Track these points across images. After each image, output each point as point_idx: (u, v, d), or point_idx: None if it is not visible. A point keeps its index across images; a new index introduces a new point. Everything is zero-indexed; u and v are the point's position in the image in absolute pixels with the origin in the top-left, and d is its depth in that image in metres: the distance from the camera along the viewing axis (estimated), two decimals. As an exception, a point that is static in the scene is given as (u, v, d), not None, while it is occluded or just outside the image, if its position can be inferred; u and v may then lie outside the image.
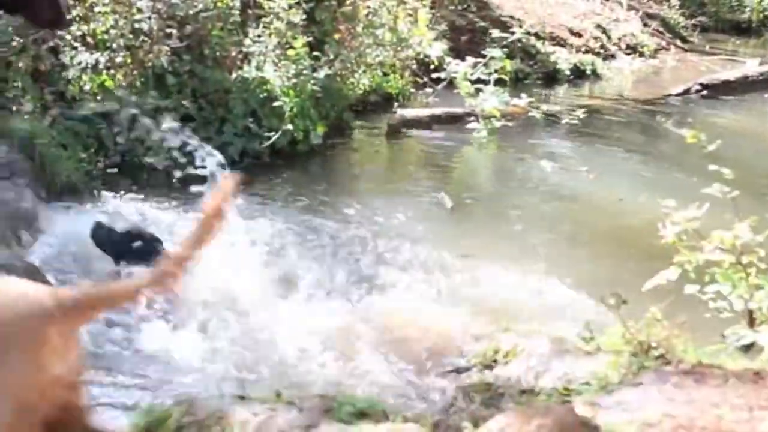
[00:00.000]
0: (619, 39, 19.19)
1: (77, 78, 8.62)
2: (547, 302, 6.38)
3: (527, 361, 4.92)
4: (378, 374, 5.23)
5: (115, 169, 8.65)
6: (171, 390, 4.72)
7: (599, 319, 5.14)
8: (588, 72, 17.10)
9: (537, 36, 17.07)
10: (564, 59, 16.87)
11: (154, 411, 3.84)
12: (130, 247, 6.11)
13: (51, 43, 8.60)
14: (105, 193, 7.95)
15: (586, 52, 17.96)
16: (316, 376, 5.15)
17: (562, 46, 17.72)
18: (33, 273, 5.13)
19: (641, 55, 18.87)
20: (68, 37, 8.68)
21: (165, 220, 7.42)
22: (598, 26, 19.22)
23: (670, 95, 15.03)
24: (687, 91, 15.06)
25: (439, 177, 9.85)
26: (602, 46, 18.59)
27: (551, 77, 16.37)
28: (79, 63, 8.63)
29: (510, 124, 11.83)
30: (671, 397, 3.81)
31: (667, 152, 11.40)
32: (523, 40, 15.65)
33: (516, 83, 14.06)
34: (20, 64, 8.31)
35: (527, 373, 4.81)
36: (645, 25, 20.22)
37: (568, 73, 16.69)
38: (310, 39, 10.70)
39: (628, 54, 18.83)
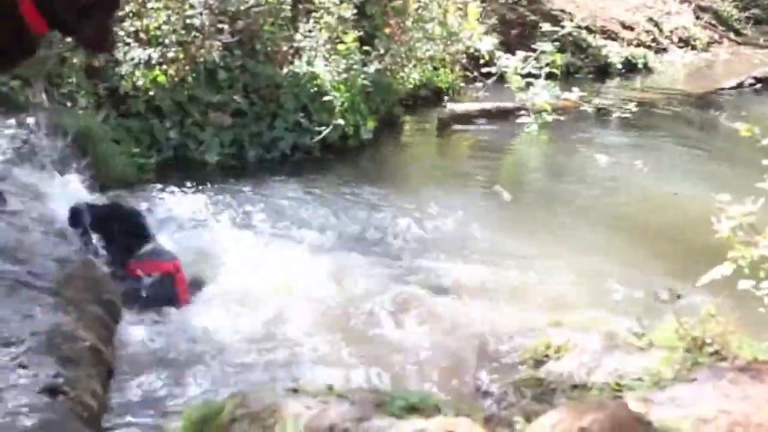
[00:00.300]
0: (671, 32, 19.04)
1: (130, 73, 8.69)
2: (598, 296, 6.33)
3: (579, 357, 4.88)
4: (429, 368, 5.23)
5: (168, 164, 8.73)
6: (224, 382, 4.75)
7: (652, 315, 5.10)
8: (640, 66, 16.98)
9: (588, 29, 16.96)
10: (615, 53, 16.77)
11: (207, 403, 3.88)
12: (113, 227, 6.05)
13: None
14: (157, 188, 8.00)
15: (638, 45, 17.84)
16: (367, 369, 5.16)
17: (614, 39, 17.61)
18: (86, 266, 5.18)
19: (693, 48, 18.73)
20: (121, 33, 8.75)
21: (214, 215, 7.46)
22: (650, 19, 19.07)
23: (723, 89, 14.88)
24: (740, 85, 14.90)
25: (491, 171, 9.82)
26: (654, 40, 18.45)
27: (602, 71, 16.29)
28: (132, 59, 8.70)
29: (561, 118, 11.75)
30: (726, 394, 3.77)
31: (720, 146, 11.29)
32: (574, 34, 15.54)
33: (567, 77, 13.99)
34: (75, 60, 8.40)
35: (579, 368, 4.77)
36: (697, 17, 20.04)
37: (619, 66, 16.59)
38: (361, 33, 10.71)
39: (681, 47, 18.68)
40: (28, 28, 4.74)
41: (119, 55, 8.68)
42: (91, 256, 5.58)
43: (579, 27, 15.80)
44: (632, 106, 12.53)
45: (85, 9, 4.62)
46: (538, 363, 5.03)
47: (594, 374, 4.67)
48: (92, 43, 5.09)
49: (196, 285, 5.99)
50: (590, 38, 16.88)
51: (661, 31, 18.89)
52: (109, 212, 6.08)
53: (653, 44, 18.28)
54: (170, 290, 5.74)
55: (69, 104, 8.16)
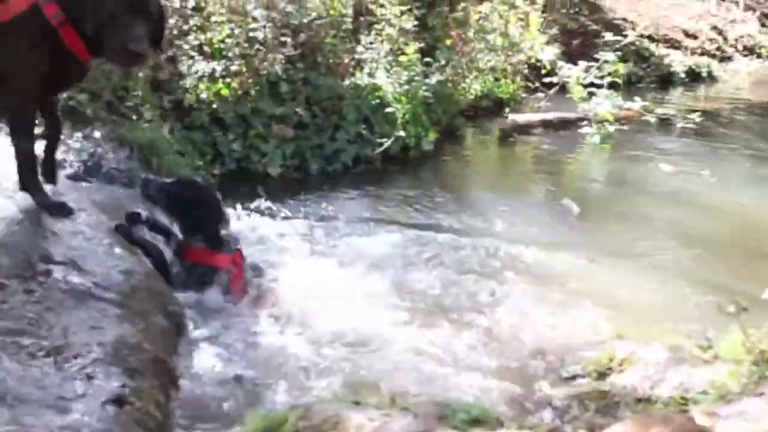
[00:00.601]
0: (736, 40, 18.85)
1: (194, 87, 8.77)
2: (664, 309, 6.27)
3: (643, 370, 4.84)
4: (490, 381, 5.20)
5: (231, 176, 8.80)
6: (287, 394, 4.77)
7: (718, 327, 5.04)
8: (703, 74, 16.84)
9: (650, 38, 16.87)
10: (678, 62, 16.65)
11: (270, 415, 3.89)
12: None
13: (170, 53, 8.78)
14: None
15: (702, 54, 17.69)
16: (428, 382, 5.14)
17: (677, 48, 17.48)
18: (150, 277, 5.24)
19: (759, 56, 18.49)
20: (186, 47, 8.85)
21: (277, 228, 7.50)
22: (714, 27, 18.89)
23: (789, 98, 14.69)
24: (807, 93, 14.70)
25: (554, 183, 9.76)
26: (718, 48, 18.29)
27: (665, 80, 16.17)
28: (196, 72, 8.79)
29: (624, 128, 11.68)
30: (794, 408, 3.72)
31: (788, 156, 11.14)
32: (637, 43, 15.43)
33: (629, 87, 13.91)
34: (140, 74, 8.51)
35: (643, 381, 4.73)
36: (763, 25, 19.81)
37: (682, 75, 16.47)
38: (422, 45, 10.74)
39: (746, 55, 18.49)
40: (75, 57, 4.92)
41: (183, 69, 8.78)
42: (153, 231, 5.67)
43: (641, 36, 15.70)
44: (696, 116, 12.41)
45: (111, 18, 4.71)
46: (602, 375, 4.99)
47: (659, 387, 4.63)
48: (121, 63, 5.31)
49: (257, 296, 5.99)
50: (653, 47, 16.77)
51: (725, 39, 18.71)
52: (184, 189, 5.94)
53: (717, 53, 18.11)
54: (224, 287, 5.73)
55: (134, 117, 8.25)
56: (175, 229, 5.79)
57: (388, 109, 9.80)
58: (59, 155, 6.80)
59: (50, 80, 5.02)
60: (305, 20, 9.84)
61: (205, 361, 5.00)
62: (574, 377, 5.09)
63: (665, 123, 12.43)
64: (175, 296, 5.32)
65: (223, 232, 5.85)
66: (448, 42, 11.51)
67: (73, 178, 6.75)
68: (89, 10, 4.71)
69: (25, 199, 5.24)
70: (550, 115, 12.29)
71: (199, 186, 6.17)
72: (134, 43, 4.73)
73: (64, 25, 4.80)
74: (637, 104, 12.22)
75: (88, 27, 4.74)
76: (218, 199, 6.00)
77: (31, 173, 5.21)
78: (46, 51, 4.85)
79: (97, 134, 7.42)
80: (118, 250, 5.26)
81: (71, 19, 4.78)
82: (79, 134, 7.32)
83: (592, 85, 11.92)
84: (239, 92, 9.10)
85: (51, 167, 5.62)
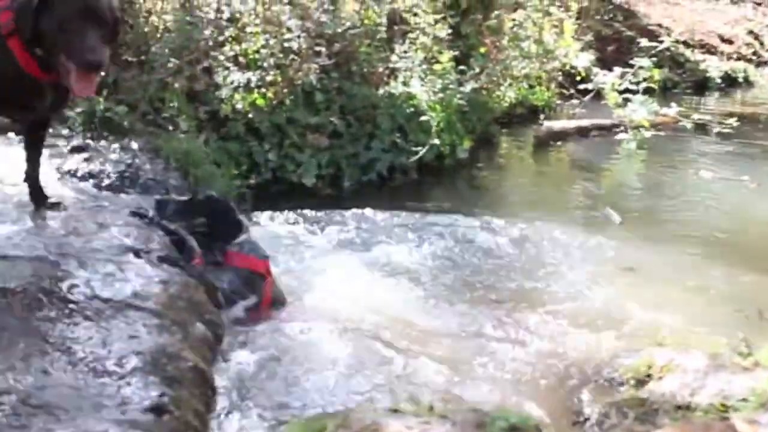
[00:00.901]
0: (773, 45, 18.69)
1: (230, 97, 8.82)
2: (702, 315, 6.22)
3: (682, 377, 4.81)
4: (529, 389, 5.19)
5: (266, 185, 8.85)
6: (325, 401, 4.78)
7: (758, 335, 5.00)
8: (740, 79, 16.73)
9: (686, 44, 16.77)
10: (714, 67, 16.55)
11: (308, 422, 3.90)
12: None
13: (205, 64, 8.84)
14: (255, 209, 8.10)
15: (738, 59, 17.57)
16: (465, 389, 5.13)
17: (712, 53, 17.38)
18: (189, 287, 5.27)
19: (797, 61, 18.33)
20: (221, 57, 8.91)
21: (311, 240, 7.52)
22: (750, 32, 18.77)
23: (828, 102, 14.56)
24: None
25: (591, 191, 9.71)
26: (755, 53, 18.16)
27: (701, 85, 16.08)
28: (232, 82, 8.84)
29: (660, 134, 11.62)
30: (836, 415, 3.68)
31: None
32: (672, 49, 15.35)
33: (664, 92, 13.83)
34: (176, 85, 8.57)
35: (682, 388, 4.70)
36: (801, 29, 19.61)
37: (718, 81, 16.36)
38: (456, 53, 10.74)
39: (783, 60, 18.31)
40: (25, 73, 4.39)
41: (219, 79, 8.83)
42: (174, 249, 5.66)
43: (677, 41, 15.62)
44: (733, 121, 12.32)
45: (61, 26, 4.17)
46: (640, 383, 4.96)
47: (698, 395, 4.60)
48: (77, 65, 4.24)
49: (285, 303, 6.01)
50: (688, 52, 16.68)
51: (762, 44, 18.56)
52: (200, 203, 5.98)
53: (754, 57, 17.97)
54: (258, 291, 5.73)
55: (171, 128, 8.30)
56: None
57: (423, 118, 9.80)
58: (96, 166, 6.91)
59: (9, 99, 4.54)
60: (339, 30, 9.86)
61: (241, 368, 5.02)
62: (612, 384, 5.06)
63: (702, 128, 12.35)
64: (213, 305, 5.34)
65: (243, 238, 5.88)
66: (483, 50, 11.49)
67: (111, 188, 6.80)
68: (29, 17, 4.21)
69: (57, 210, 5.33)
70: (586, 122, 12.25)
71: (215, 199, 6.16)
72: (90, 53, 4.13)
73: (12, 36, 4.34)
74: (672, 110, 12.16)
75: (24, 33, 4.25)
76: (234, 210, 6.06)
77: None
78: None
79: (134, 145, 7.48)
80: (155, 259, 5.29)
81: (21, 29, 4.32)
82: (116, 145, 7.38)
83: (627, 91, 11.86)
84: (274, 102, 9.14)
85: (38, 193, 5.29)
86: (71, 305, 4.27)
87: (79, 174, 6.79)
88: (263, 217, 7.87)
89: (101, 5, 4.26)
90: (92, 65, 4.15)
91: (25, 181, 5.23)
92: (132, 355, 3.95)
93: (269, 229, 7.61)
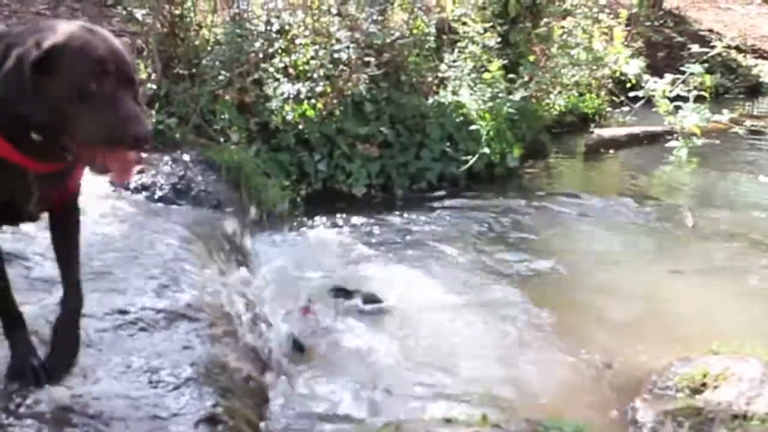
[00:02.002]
0: (827, 49, 18.43)
1: (280, 108, 8.86)
2: (758, 324, 6.15)
3: (738, 386, 4.77)
4: (583, 397, 5.17)
5: (317, 196, 8.88)
6: (379, 411, 4.79)
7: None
8: (794, 84, 16.50)
9: (738, 49, 16.58)
10: (767, 72, 16.33)
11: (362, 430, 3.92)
12: None
13: (255, 76, 8.89)
14: (307, 219, 8.15)
15: (792, 63, 17.33)
16: (518, 399, 5.13)
17: (765, 58, 17.17)
18: (240, 298, 5.31)
19: None
20: (271, 69, 8.96)
21: (361, 250, 7.54)
22: (804, 37, 18.51)
23: None
24: None
25: (644, 198, 9.60)
26: (809, 57, 17.89)
27: (754, 91, 15.90)
28: (282, 93, 8.87)
29: (715, 141, 11.51)
30: None
31: None
32: (724, 54, 15.19)
33: (716, 98, 13.67)
34: (227, 97, 8.63)
35: (738, 397, 4.66)
36: None
37: (772, 85, 16.16)
38: (505, 61, 10.70)
39: (836, 64, 18.05)
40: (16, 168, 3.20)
41: (269, 91, 8.88)
42: None
43: (728, 47, 15.45)
44: (788, 126, 12.18)
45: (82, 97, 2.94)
46: (695, 392, 4.92)
47: (754, 404, 4.55)
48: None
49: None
50: (740, 58, 16.50)
51: (815, 48, 18.32)
52: None
53: (808, 62, 17.73)
54: None
55: (222, 140, 8.37)
56: None
57: (472, 127, 9.79)
58: (148, 179, 6.98)
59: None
60: (388, 40, 9.87)
61: (293, 377, 5.05)
62: (667, 393, 5.02)
63: (756, 134, 12.21)
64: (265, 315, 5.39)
65: None
66: (532, 58, 11.44)
67: (163, 200, 6.87)
68: (26, 90, 2.95)
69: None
70: (637, 130, 12.16)
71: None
72: (132, 123, 2.90)
73: None
74: (725, 116, 12.02)
75: (33, 118, 3.00)
76: None
77: None
78: None
79: (185, 157, 7.55)
80: (208, 271, 5.35)
81: None
82: (168, 157, 7.45)
83: (678, 98, 11.76)
84: (324, 113, 9.17)
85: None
86: (126, 316, 4.32)
87: (131, 186, 6.86)
88: (315, 226, 7.91)
89: (123, 54, 3.06)
90: (140, 139, 2.91)
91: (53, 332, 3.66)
92: (186, 365, 3.99)
93: (321, 238, 7.65)
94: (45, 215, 3.56)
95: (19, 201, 3.32)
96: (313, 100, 9.06)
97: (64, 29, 3.04)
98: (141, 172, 7.03)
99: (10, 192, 3.27)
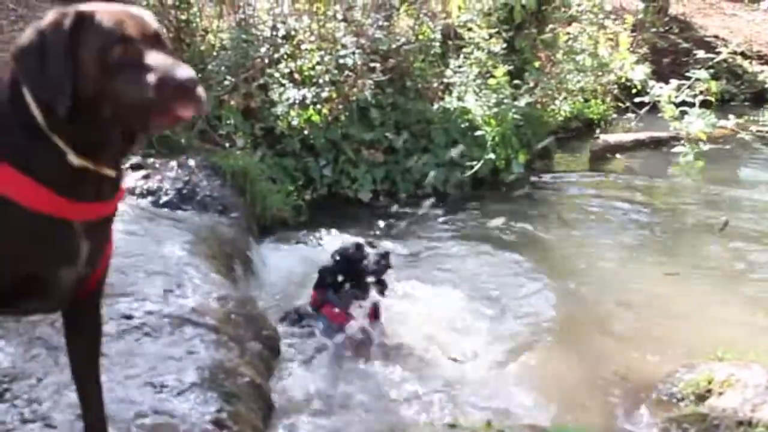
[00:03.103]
0: (834, 55, 18.41)
1: (285, 113, 8.87)
2: (763, 330, 6.15)
3: (743, 392, 4.76)
4: (588, 404, 5.16)
5: (322, 201, 8.89)
6: (382, 418, 4.79)
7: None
8: (800, 90, 16.47)
9: (743, 55, 16.56)
10: (773, 78, 16.33)
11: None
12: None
13: (261, 81, 8.91)
14: (312, 225, 8.13)
15: (798, 69, 17.30)
16: (522, 405, 5.12)
17: (772, 64, 17.16)
18: (245, 303, 5.31)
19: None
20: (277, 74, 8.97)
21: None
22: (810, 43, 18.48)
23: None
24: None
25: (649, 204, 9.61)
26: (815, 63, 17.87)
27: (759, 97, 15.86)
28: (287, 99, 8.88)
29: (721, 147, 11.49)
30: None
31: None
32: (729, 60, 15.17)
33: (722, 104, 13.64)
34: (232, 102, 8.65)
35: (743, 404, 4.65)
36: None
37: (777, 91, 16.14)
38: (511, 67, 10.70)
39: (843, 70, 18.02)
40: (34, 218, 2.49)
41: (275, 96, 8.89)
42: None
43: (734, 53, 15.42)
44: (794, 132, 12.17)
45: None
46: (700, 398, 4.92)
47: (760, 410, 4.55)
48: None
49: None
50: (746, 64, 16.48)
51: (821, 54, 18.30)
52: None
53: (814, 68, 17.71)
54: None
55: (227, 145, 8.38)
56: None
57: (478, 132, 9.78)
58: (154, 183, 6.98)
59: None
60: (394, 46, 9.89)
61: (298, 383, 5.05)
62: (671, 400, 5.02)
63: (762, 140, 12.20)
64: (270, 321, 5.39)
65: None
66: (537, 64, 11.45)
67: (168, 205, 6.87)
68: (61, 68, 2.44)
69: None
70: (642, 135, 12.16)
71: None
72: (175, 69, 2.43)
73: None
74: (730, 122, 11.99)
75: (105, 110, 2.46)
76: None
77: None
78: None
79: (191, 162, 7.54)
80: (214, 275, 5.35)
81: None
82: (173, 163, 7.45)
83: (683, 103, 11.74)
84: (330, 118, 9.19)
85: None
86: (130, 321, 4.32)
87: (137, 191, 6.86)
88: (320, 231, 7.90)
89: (144, 16, 2.59)
90: (188, 80, 2.43)
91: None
92: (190, 370, 4.00)
93: (326, 243, 7.64)
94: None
95: (52, 271, 2.60)
96: (318, 106, 9.07)
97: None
98: (146, 177, 7.03)
99: (44, 257, 2.57)
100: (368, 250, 5.84)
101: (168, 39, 2.65)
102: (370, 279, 5.79)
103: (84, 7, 2.50)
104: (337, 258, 5.90)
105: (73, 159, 2.48)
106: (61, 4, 2.52)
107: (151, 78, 2.38)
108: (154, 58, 2.44)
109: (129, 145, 2.64)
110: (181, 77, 2.40)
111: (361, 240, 6.05)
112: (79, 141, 2.49)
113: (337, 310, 5.75)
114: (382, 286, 5.86)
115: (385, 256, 5.80)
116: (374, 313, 5.82)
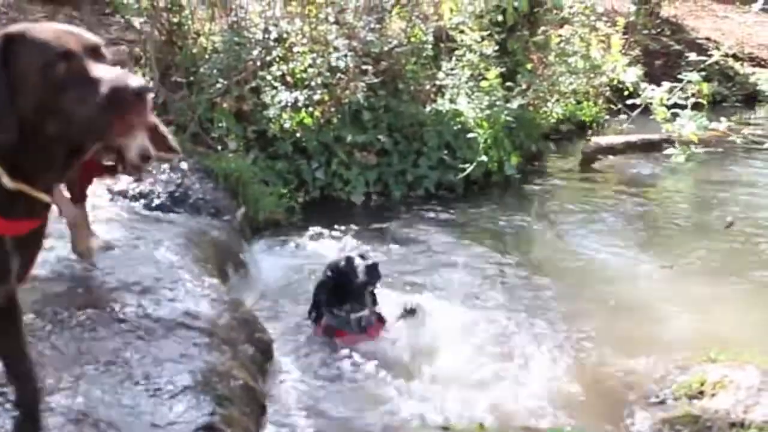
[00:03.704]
0: (825, 57, 18.45)
1: (277, 116, 8.87)
2: (756, 330, 6.15)
3: (735, 394, 4.77)
4: (581, 406, 5.16)
5: (315, 204, 8.89)
6: (374, 419, 4.79)
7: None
8: (791, 92, 16.50)
9: (735, 57, 16.58)
10: (765, 80, 16.34)
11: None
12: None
13: (253, 84, 8.91)
14: (304, 227, 8.12)
15: (789, 71, 17.33)
16: (516, 407, 5.12)
17: (763, 66, 17.17)
18: (238, 306, 5.30)
19: None
20: (269, 77, 8.96)
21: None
22: (801, 44, 18.52)
23: None
24: None
25: (639, 205, 9.63)
26: (806, 65, 17.90)
27: (751, 99, 15.88)
28: (280, 102, 8.88)
29: (712, 149, 11.50)
30: None
31: None
32: (721, 62, 15.19)
33: (714, 106, 13.66)
34: (225, 105, 8.65)
35: (736, 405, 4.66)
36: None
37: (768, 93, 16.17)
38: (503, 70, 10.70)
39: (834, 72, 18.06)
40: None
41: (267, 99, 8.88)
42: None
43: (726, 55, 15.44)
44: (785, 134, 12.18)
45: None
46: (693, 399, 4.92)
47: (752, 412, 4.56)
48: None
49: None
50: (737, 66, 16.51)
51: (813, 56, 18.33)
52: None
53: (805, 70, 17.74)
54: None
55: (219, 148, 8.38)
56: None
57: (470, 135, 9.78)
58: (146, 187, 6.97)
59: None
60: (386, 48, 9.89)
61: (291, 385, 5.05)
62: (664, 401, 5.02)
63: (753, 142, 12.21)
64: (263, 324, 5.38)
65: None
66: (529, 66, 11.46)
67: (161, 208, 6.86)
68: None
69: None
70: (634, 137, 12.14)
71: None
72: (122, 80, 2.37)
73: None
74: (722, 124, 12.00)
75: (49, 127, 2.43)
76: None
77: None
78: None
79: (183, 165, 7.53)
80: (206, 278, 5.34)
81: None
82: (165, 166, 7.43)
83: (675, 105, 11.74)
84: (322, 121, 9.20)
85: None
86: (123, 325, 4.31)
87: (129, 194, 6.85)
88: (312, 234, 7.89)
89: (81, 32, 2.54)
90: (138, 89, 2.35)
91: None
92: (183, 373, 3.99)
93: (318, 246, 7.64)
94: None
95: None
96: (310, 108, 9.08)
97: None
98: (138, 180, 7.01)
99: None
100: (358, 261, 5.83)
101: (107, 51, 2.56)
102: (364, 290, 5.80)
103: (12, 29, 2.47)
104: (329, 273, 5.90)
105: (8, 182, 2.48)
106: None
107: (103, 89, 2.33)
108: (100, 70, 2.39)
109: (66, 169, 2.61)
110: (133, 86, 2.33)
111: (352, 253, 6.03)
112: (16, 162, 2.48)
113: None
114: (372, 297, 5.87)
115: (374, 267, 5.79)
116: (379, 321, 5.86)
